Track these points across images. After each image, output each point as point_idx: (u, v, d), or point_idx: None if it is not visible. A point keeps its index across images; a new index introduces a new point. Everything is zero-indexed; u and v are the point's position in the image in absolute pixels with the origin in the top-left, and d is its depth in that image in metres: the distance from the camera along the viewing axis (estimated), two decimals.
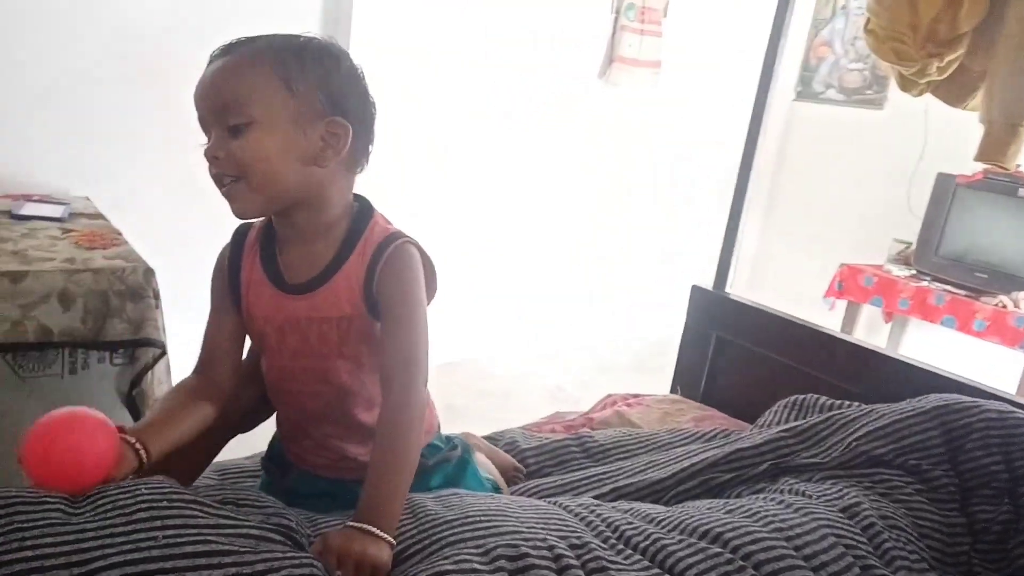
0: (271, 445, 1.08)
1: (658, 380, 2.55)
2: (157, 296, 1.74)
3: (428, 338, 0.90)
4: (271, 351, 0.95)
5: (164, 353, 1.76)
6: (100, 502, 0.74)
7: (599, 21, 3.45)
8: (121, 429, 0.84)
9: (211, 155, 0.85)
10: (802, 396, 1.49)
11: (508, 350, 3.50)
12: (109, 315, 1.67)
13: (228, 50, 0.87)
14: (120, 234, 1.93)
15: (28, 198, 2.11)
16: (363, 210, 0.94)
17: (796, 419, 1.42)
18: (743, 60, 3.78)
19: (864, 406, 1.34)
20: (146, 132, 2.46)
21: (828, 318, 3.19)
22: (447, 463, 1.05)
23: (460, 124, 3.14)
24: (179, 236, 2.52)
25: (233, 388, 0.97)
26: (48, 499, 0.73)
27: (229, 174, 0.85)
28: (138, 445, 0.83)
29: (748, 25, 3.65)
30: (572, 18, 3.36)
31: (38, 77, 2.24)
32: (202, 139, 0.87)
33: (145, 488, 0.76)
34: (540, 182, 3.50)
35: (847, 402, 1.42)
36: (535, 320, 3.64)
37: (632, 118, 3.70)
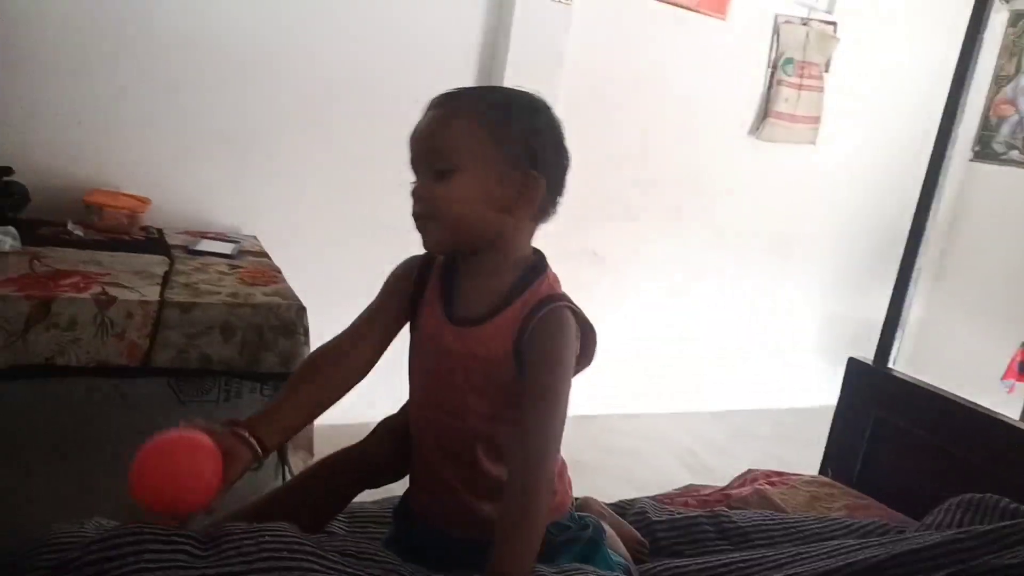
0: (402, 498, 1.08)
1: (803, 456, 2.37)
2: (307, 333, 1.82)
3: (567, 408, 0.88)
4: (424, 374, 0.97)
5: None
6: (225, 546, 0.75)
7: (755, 76, 3.36)
8: (235, 422, 0.87)
9: (416, 194, 0.92)
10: (978, 496, 1.31)
11: (639, 408, 3.40)
12: (263, 348, 1.76)
13: (444, 101, 0.93)
14: (279, 272, 2.05)
15: (204, 235, 2.30)
16: (537, 263, 0.96)
17: (972, 522, 1.25)
18: (912, 115, 3.55)
19: None
20: (309, 177, 2.63)
21: (1006, 403, 2.85)
22: (576, 543, 1.00)
23: (606, 171, 3.13)
24: (329, 274, 2.65)
25: (358, 372, 0.98)
26: (177, 539, 0.75)
27: (424, 214, 0.91)
28: (251, 439, 0.86)
29: (920, 78, 3.43)
30: (729, 73, 3.29)
31: (220, 125, 2.46)
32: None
33: (269, 535, 0.77)
34: (686, 236, 3.41)
35: None
36: (672, 376, 3.51)
37: (788, 174, 3.54)
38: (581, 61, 2.91)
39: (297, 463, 1.84)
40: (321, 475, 1.03)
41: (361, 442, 1.07)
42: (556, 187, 0.95)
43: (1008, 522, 1.15)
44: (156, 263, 1.92)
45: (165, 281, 1.80)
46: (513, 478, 0.86)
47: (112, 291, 1.65)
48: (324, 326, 2.23)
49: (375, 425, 1.09)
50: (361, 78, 2.62)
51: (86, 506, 1.64)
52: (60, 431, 1.63)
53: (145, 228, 2.23)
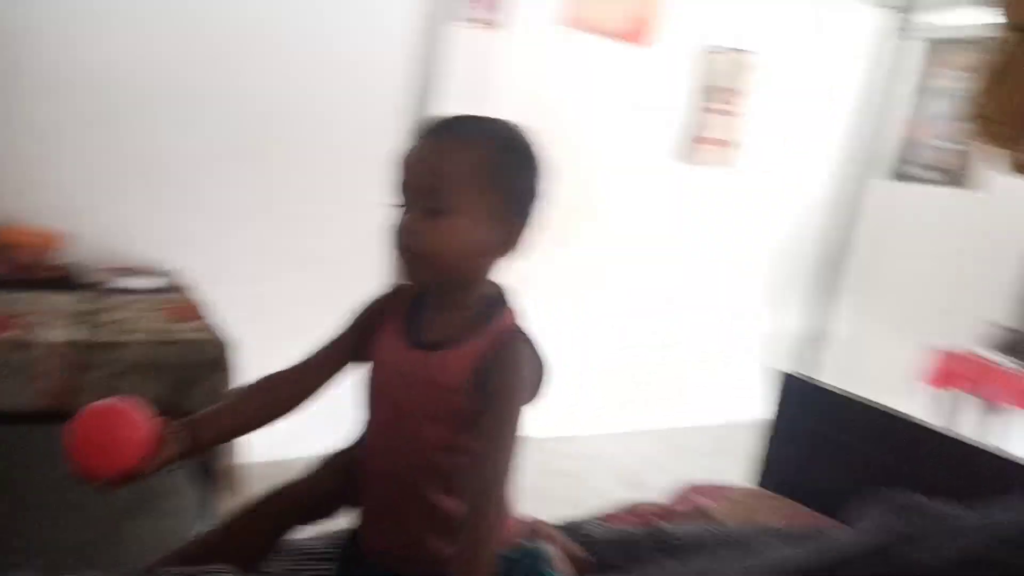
0: (349, 538, 1.05)
1: (739, 467, 2.42)
2: (234, 369, 1.78)
3: (520, 436, 0.89)
4: (381, 403, 0.96)
5: None
6: None
7: (681, 103, 3.47)
8: (168, 420, 0.88)
9: (406, 229, 0.89)
10: (903, 497, 1.36)
11: (580, 430, 3.42)
12: (190, 385, 1.71)
13: (448, 132, 0.92)
14: (206, 307, 2.00)
15: (128, 270, 2.22)
16: (500, 295, 0.97)
17: (898, 523, 1.30)
18: (826, 138, 3.73)
19: (976, 511, 1.22)
20: (238, 208, 2.58)
21: (925, 408, 2.99)
22: (521, 572, 0.99)
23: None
24: (260, 309, 2.60)
25: (298, 398, 0.98)
26: None
27: (413, 250, 0.89)
28: (184, 434, 0.88)
29: (832, 101, 3.61)
30: (656, 99, 3.39)
31: (143, 155, 2.39)
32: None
33: None
34: (620, 259, 3.48)
35: (957, 507, 1.29)
36: (607, 400, 3.55)
37: (714, 197, 3.66)
38: (512, 87, 2.95)
39: (221, 502, 1.79)
40: (259, 512, 1.00)
41: (304, 478, 1.04)
42: (530, 228, 0.96)
43: (930, 522, 1.19)
44: (76, 301, 1.85)
45: (86, 320, 1.73)
46: (466, 509, 0.86)
47: (28, 333, 1.58)
48: (257, 361, 2.18)
49: (318, 460, 1.06)
50: (290, 107, 2.60)
51: (7, 555, 1.55)
52: None
53: (62, 265, 2.14)
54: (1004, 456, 1.52)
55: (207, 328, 1.81)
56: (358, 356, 0.99)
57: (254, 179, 2.59)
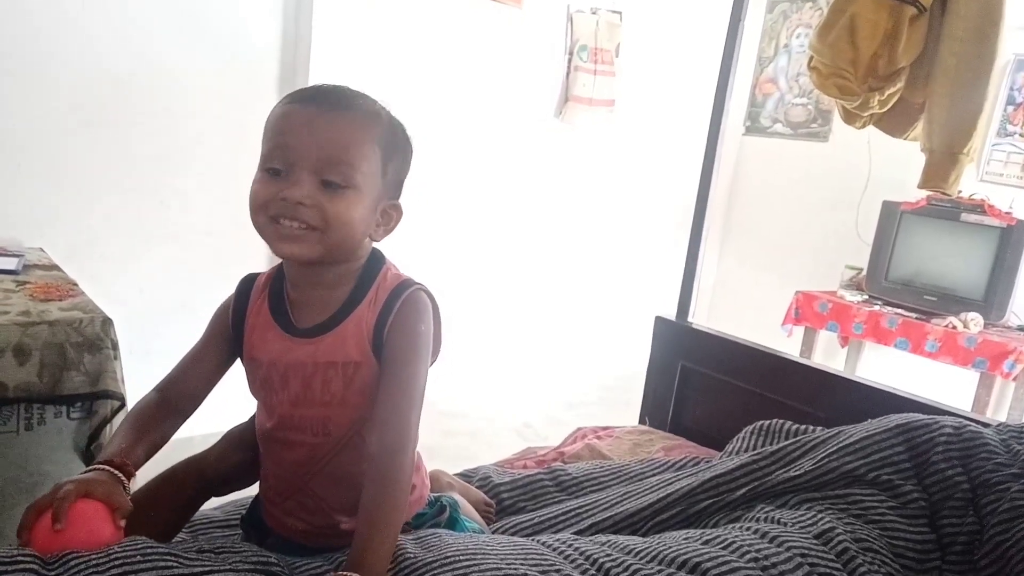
0: (251, 508, 1.05)
1: (625, 413, 2.57)
2: (115, 347, 1.70)
3: (424, 392, 0.89)
4: (273, 398, 0.93)
5: (123, 405, 1.71)
6: (73, 563, 0.72)
7: (554, 62, 3.54)
8: (108, 462, 0.83)
9: (297, 200, 0.83)
10: (767, 422, 1.52)
11: (474, 389, 3.49)
12: (66, 368, 1.63)
13: (337, 102, 0.87)
14: (76, 285, 1.89)
15: None
16: (375, 257, 0.95)
17: (763, 444, 1.44)
18: (694, 96, 3.92)
19: (829, 429, 1.38)
20: (100, 181, 2.43)
21: (787, 344, 3.26)
22: (436, 528, 1.02)
23: (421, 162, 3.16)
24: (136, 284, 2.48)
25: (187, 416, 0.96)
26: (21, 559, 0.70)
27: (307, 222, 0.84)
28: (122, 476, 0.83)
29: (697, 63, 3.79)
30: (529, 59, 3.44)
31: None
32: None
33: (118, 547, 0.74)
34: (501, 220, 3.54)
35: (812, 426, 1.45)
36: (500, 358, 3.64)
37: (590, 154, 3.77)
38: (385, 50, 2.91)
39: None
40: (166, 487, 0.98)
41: (209, 451, 1.03)
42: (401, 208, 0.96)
43: (791, 441, 1.34)
44: None
45: None
46: (372, 470, 0.85)
47: None
48: (136, 338, 2.09)
49: (222, 434, 1.06)
50: (153, 73, 2.45)
51: None
52: None
53: None
54: (854, 381, 1.71)
55: (80, 306, 1.72)
56: (229, 359, 0.97)
57: (116, 149, 2.44)
